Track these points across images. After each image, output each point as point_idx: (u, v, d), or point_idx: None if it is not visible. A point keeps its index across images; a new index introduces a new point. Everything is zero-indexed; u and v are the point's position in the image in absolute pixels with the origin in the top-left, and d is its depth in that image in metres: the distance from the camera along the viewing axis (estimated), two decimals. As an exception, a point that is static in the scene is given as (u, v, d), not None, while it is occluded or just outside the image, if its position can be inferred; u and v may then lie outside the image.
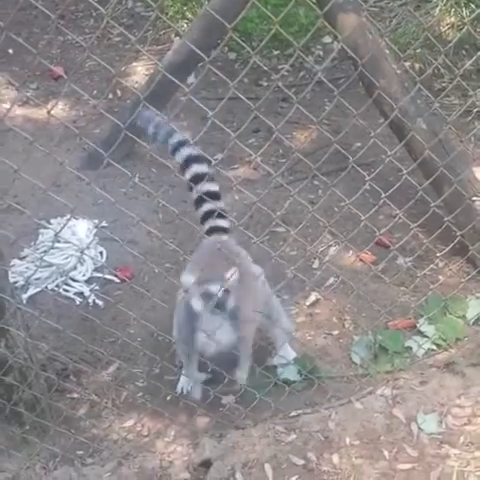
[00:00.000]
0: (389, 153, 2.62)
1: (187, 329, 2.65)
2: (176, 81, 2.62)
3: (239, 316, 2.61)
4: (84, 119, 4.48)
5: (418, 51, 4.68)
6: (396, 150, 3.09)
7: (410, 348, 3.02)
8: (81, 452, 2.57)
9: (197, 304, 2.54)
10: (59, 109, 4.54)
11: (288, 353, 2.96)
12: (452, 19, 4.66)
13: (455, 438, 2.49)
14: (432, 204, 2.76)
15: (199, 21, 4.13)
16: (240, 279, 2.52)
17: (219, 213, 2.80)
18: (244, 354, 2.76)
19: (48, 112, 1.95)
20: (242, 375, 2.77)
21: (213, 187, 2.85)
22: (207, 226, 2.86)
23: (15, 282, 3.23)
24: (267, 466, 2.42)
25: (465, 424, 2.53)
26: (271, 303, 2.88)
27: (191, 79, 4.35)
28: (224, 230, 2.86)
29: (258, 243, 2.42)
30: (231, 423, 2.64)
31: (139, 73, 4.91)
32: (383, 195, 2.53)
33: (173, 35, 5.04)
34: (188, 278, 2.53)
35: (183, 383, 2.86)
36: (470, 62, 3.02)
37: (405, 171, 2.57)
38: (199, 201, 2.85)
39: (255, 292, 2.74)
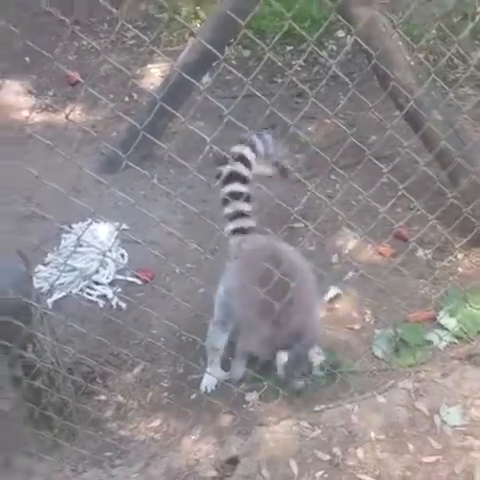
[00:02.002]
0: (405, 145, 2.62)
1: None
2: (192, 80, 2.64)
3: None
4: (102, 123, 4.52)
5: (431, 42, 4.67)
6: (412, 142, 3.09)
7: (431, 341, 3.02)
8: (109, 453, 2.61)
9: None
10: (77, 114, 4.60)
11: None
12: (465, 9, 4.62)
13: (479, 430, 2.51)
14: (449, 195, 2.76)
15: (212, 20, 4.15)
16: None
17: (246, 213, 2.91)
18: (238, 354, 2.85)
19: (66, 117, 1.99)
20: (235, 373, 2.85)
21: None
22: (233, 226, 2.95)
23: (40, 288, 3.28)
24: (292, 462, 2.46)
25: (489, 416, 2.54)
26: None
27: (206, 78, 4.37)
28: (251, 229, 2.93)
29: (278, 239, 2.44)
30: (256, 420, 2.66)
31: (154, 75, 4.94)
32: (400, 187, 2.54)
33: (187, 35, 5.06)
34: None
35: (207, 381, 2.88)
36: (483, 51, 3.02)
37: (422, 163, 2.58)
38: (226, 201, 2.94)
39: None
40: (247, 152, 2.98)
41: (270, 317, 2.56)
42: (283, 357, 2.62)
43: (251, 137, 2.98)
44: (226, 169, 2.98)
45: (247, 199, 2.97)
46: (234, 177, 2.95)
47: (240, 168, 2.96)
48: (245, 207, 2.97)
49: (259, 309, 2.59)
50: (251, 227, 2.95)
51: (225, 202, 2.96)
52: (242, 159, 2.97)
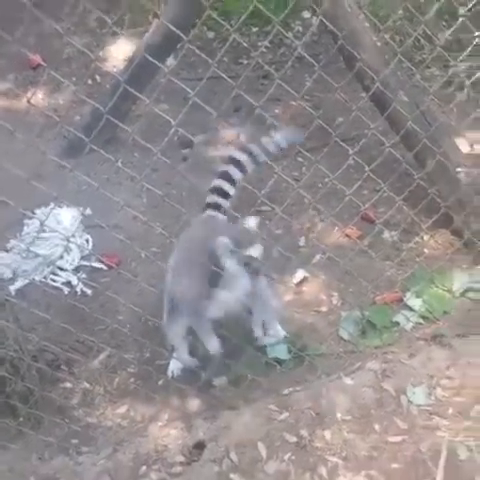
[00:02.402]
0: (372, 126, 2.61)
1: (200, 293, 2.67)
2: (156, 62, 2.60)
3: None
4: (64, 107, 4.43)
5: (398, 23, 4.66)
6: (378, 123, 3.08)
7: (398, 322, 3.04)
8: (76, 441, 2.59)
9: (234, 266, 2.58)
10: (39, 98, 4.50)
11: (277, 332, 2.98)
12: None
13: (444, 409, 2.52)
14: (416, 176, 2.76)
15: (176, 1, 4.09)
16: None
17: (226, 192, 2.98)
18: (200, 332, 2.81)
19: (28, 101, 1.95)
20: (213, 348, 2.79)
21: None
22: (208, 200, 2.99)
23: (2, 274, 3.24)
24: (260, 445, 2.44)
25: (454, 395, 2.56)
26: (260, 282, 2.89)
27: (170, 60, 4.31)
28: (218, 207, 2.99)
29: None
30: (223, 404, 2.66)
31: (118, 57, 4.85)
32: (367, 169, 2.54)
33: (151, 17, 4.98)
34: (223, 240, 2.57)
35: (173, 366, 2.87)
36: (449, 32, 3.00)
37: (388, 144, 2.57)
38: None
39: None
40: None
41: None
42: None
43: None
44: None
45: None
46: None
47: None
48: (227, 187, 3.01)
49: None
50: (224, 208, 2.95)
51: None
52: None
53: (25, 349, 2.61)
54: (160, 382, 2.82)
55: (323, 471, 2.37)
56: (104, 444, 2.55)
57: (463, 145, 3.49)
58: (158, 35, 3.99)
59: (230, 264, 2.56)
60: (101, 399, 2.78)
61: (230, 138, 4.20)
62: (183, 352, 2.85)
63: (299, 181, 3.62)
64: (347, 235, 3.44)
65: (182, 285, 2.70)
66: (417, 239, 3.35)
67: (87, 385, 2.83)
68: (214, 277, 2.58)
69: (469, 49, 2.83)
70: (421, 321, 3.03)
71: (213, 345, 2.78)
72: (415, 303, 3.08)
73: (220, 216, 2.98)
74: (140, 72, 3.89)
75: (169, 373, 2.86)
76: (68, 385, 2.82)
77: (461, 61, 3.02)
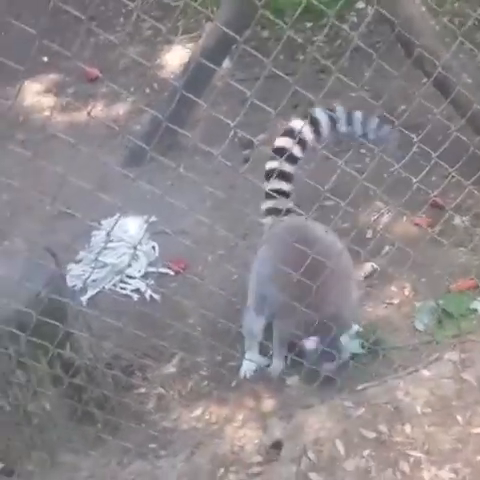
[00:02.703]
0: (435, 111, 2.55)
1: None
2: (211, 66, 2.60)
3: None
4: (124, 117, 4.51)
5: (456, 5, 4.54)
6: (443, 108, 3.00)
7: (475, 310, 2.94)
8: (153, 445, 2.60)
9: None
10: (98, 110, 4.58)
11: (352, 327, 2.92)
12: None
13: None
14: (484, 158, 2.68)
15: (228, 3, 4.10)
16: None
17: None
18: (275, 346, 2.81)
19: (88, 114, 1.98)
20: (274, 367, 2.81)
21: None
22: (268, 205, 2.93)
23: (73, 285, 3.29)
24: (338, 442, 2.40)
25: None
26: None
27: (226, 63, 4.32)
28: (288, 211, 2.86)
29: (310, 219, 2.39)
30: (298, 403, 2.63)
31: (174, 64, 4.89)
32: (433, 155, 2.47)
33: (204, 21, 5.01)
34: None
35: (246, 367, 2.86)
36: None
37: (453, 128, 2.51)
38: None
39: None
40: (306, 130, 2.92)
41: (304, 300, 2.49)
42: (310, 343, 2.58)
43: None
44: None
45: (288, 179, 2.89)
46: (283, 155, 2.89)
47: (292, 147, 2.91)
48: (284, 186, 2.92)
49: (293, 293, 2.53)
50: (288, 208, 2.88)
51: (267, 177, 2.92)
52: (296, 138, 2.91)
53: (99, 357, 2.66)
54: (233, 383, 2.82)
55: (405, 466, 2.31)
56: (181, 447, 2.56)
57: None
58: (212, 38, 4.01)
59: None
60: (176, 403, 2.79)
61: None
62: (255, 352, 2.84)
63: (363, 173, 3.55)
64: (416, 224, 3.36)
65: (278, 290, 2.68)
66: (490, 223, 3.25)
67: (161, 390, 2.85)
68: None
69: None
70: (500, 306, 2.93)
71: (276, 365, 2.82)
72: (492, 288, 2.98)
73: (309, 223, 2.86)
74: (196, 77, 3.91)
75: (242, 374, 2.85)
76: (143, 390, 2.85)
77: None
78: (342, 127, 2.99)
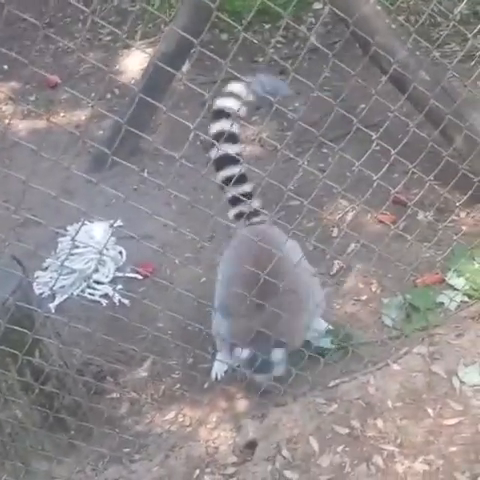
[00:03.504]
0: (392, 109, 2.57)
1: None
2: (170, 69, 2.60)
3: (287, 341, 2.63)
4: (86, 123, 4.48)
5: (411, 3, 4.61)
6: (400, 105, 3.02)
7: (442, 303, 2.98)
8: (128, 449, 2.59)
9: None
10: (60, 117, 4.54)
11: (319, 325, 2.93)
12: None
13: (500, 386, 2.47)
14: (444, 154, 2.71)
15: (185, 7, 4.10)
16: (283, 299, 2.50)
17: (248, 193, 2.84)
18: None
19: (47, 119, 1.96)
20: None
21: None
22: (229, 195, 2.87)
23: (41, 293, 3.26)
24: (312, 439, 2.42)
25: (508, 370, 2.51)
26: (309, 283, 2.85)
27: (186, 67, 4.32)
28: (247, 196, 2.85)
29: (274, 219, 2.40)
30: (271, 402, 2.63)
31: (134, 69, 4.89)
32: (393, 152, 2.50)
33: (163, 26, 5.01)
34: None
35: (217, 368, 2.86)
36: (462, 5, 2.96)
37: (412, 124, 2.54)
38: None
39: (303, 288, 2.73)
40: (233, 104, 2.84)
41: (248, 310, 2.53)
42: (243, 353, 2.60)
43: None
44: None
45: (242, 180, 2.89)
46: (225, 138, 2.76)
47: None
48: (244, 188, 2.90)
49: (239, 302, 2.55)
50: (254, 210, 2.89)
51: (222, 187, 2.90)
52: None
53: (70, 363, 2.64)
54: (205, 385, 2.82)
55: (379, 460, 2.34)
56: (156, 451, 2.56)
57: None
58: (170, 43, 4.00)
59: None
60: (149, 407, 2.79)
61: (252, 136, 4.19)
62: (225, 353, 2.83)
63: (325, 172, 3.58)
64: (381, 221, 3.39)
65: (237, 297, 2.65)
66: (453, 217, 3.29)
67: (134, 394, 2.84)
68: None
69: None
70: (466, 299, 2.97)
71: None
72: (457, 282, 3.02)
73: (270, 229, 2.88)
74: (156, 81, 3.91)
75: (213, 375, 2.85)
76: (115, 395, 2.84)
77: (479, 33, 2.95)
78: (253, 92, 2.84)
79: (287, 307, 2.56)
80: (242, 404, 2.71)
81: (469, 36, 2.95)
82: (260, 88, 2.81)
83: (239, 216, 2.91)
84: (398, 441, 2.39)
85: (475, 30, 2.92)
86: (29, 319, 2.36)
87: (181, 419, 2.71)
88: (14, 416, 2.43)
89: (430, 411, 2.46)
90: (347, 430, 2.44)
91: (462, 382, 2.54)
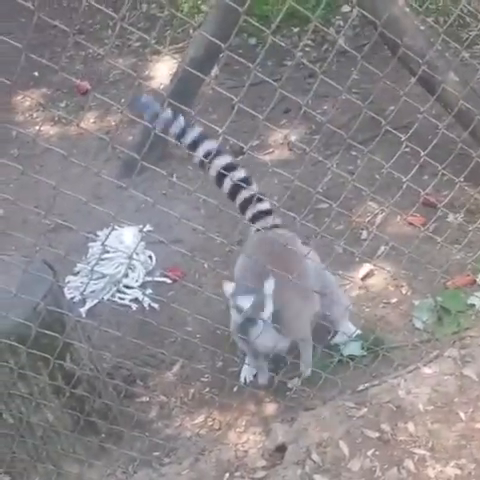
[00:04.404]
0: (421, 110, 2.56)
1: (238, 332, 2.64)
2: (199, 75, 2.61)
3: (284, 320, 2.58)
4: (116, 129, 4.52)
5: (441, 4, 4.57)
6: (429, 106, 3.01)
7: (473, 305, 2.95)
8: (158, 453, 2.61)
9: (234, 315, 2.55)
10: (90, 123, 4.61)
11: (349, 329, 2.91)
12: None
13: None
14: (474, 154, 2.69)
15: (214, 12, 4.12)
16: (284, 275, 2.46)
17: (258, 197, 2.79)
18: (303, 347, 2.76)
19: (77, 125, 1.99)
20: (306, 369, 2.78)
21: (242, 174, 2.84)
22: (249, 214, 2.85)
23: (72, 297, 3.31)
24: (342, 443, 2.41)
25: None
26: (325, 281, 2.83)
27: (215, 71, 4.34)
28: (267, 213, 2.84)
29: (303, 222, 2.40)
30: (300, 405, 2.63)
31: (163, 74, 4.92)
32: (422, 154, 2.49)
33: (191, 31, 5.04)
34: (227, 287, 2.55)
35: (245, 372, 2.86)
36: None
37: (441, 126, 2.52)
38: (233, 192, 2.86)
39: (306, 281, 2.69)
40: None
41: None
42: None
43: None
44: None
45: (258, 199, 2.87)
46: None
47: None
48: (262, 206, 2.87)
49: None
50: (275, 224, 2.86)
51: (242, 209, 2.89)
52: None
53: (100, 367, 2.66)
54: (235, 389, 2.81)
55: (410, 464, 2.32)
56: (185, 454, 2.57)
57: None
58: (200, 47, 4.02)
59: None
60: (178, 410, 2.79)
61: (281, 140, 4.19)
62: (254, 357, 2.83)
63: (354, 174, 3.56)
64: (410, 223, 3.38)
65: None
66: (483, 218, 3.25)
67: (163, 398, 2.85)
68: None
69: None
70: (497, 301, 2.93)
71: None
72: (489, 283, 2.99)
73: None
74: (185, 86, 3.93)
75: (242, 379, 2.84)
76: (145, 399, 2.85)
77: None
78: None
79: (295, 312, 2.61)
80: (271, 408, 2.70)
81: (497, 35, 2.93)
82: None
83: (254, 218, 2.90)
84: (429, 445, 2.37)
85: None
86: (60, 323, 2.38)
87: (210, 423, 2.71)
88: (46, 419, 2.45)
89: (462, 415, 2.44)
90: (377, 434, 2.42)
91: (494, 385, 2.51)
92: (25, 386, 2.37)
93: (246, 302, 2.47)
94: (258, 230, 2.84)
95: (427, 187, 3.07)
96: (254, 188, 2.84)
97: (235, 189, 2.84)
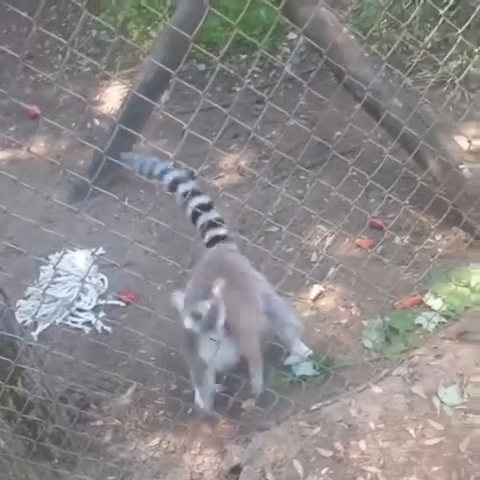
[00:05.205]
0: (366, 135, 2.64)
1: (189, 348, 2.66)
2: (148, 100, 2.64)
3: (236, 331, 2.62)
4: (66, 152, 4.51)
5: (384, 32, 4.72)
6: (374, 131, 3.10)
7: (420, 325, 3.02)
8: (112, 477, 2.59)
9: (189, 324, 2.56)
10: (40, 147, 4.58)
11: (301, 349, 2.96)
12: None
13: (479, 406, 2.50)
14: (418, 178, 2.78)
15: (163, 38, 4.18)
16: (234, 290, 2.53)
17: (214, 222, 2.89)
18: (253, 365, 2.77)
19: (28, 149, 2.00)
20: (256, 385, 2.79)
21: (203, 200, 2.95)
22: (207, 237, 2.95)
23: (24, 321, 3.27)
24: (296, 462, 2.43)
25: (487, 390, 2.54)
26: (275, 303, 2.88)
27: (165, 97, 4.38)
28: (223, 238, 2.93)
29: (253, 245, 2.44)
30: (255, 426, 2.65)
31: (114, 99, 4.95)
32: (368, 177, 2.56)
33: (141, 57, 5.08)
34: (178, 296, 2.57)
35: (199, 395, 2.85)
36: (432, 33, 3.05)
37: (386, 151, 2.60)
38: (194, 216, 2.97)
39: (254, 301, 2.75)
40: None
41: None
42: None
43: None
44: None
45: (209, 208, 2.98)
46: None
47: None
48: (214, 215, 2.98)
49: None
50: (224, 235, 2.95)
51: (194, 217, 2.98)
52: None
53: (52, 391, 2.62)
54: (189, 411, 2.81)
55: (363, 482, 2.36)
56: (141, 478, 2.56)
57: (463, 142, 3.50)
58: (149, 73, 4.06)
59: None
60: (133, 434, 2.78)
61: (231, 165, 4.25)
62: (205, 380, 2.84)
63: (303, 198, 3.64)
64: (358, 245, 3.46)
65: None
66: (429, 240, 3.35)
67: (117, 421, 2.84)
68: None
69: (454, 47, 2.84)
70: (443, 320, 3.00)
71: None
72: (435, 303, 3.06)
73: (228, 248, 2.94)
74: (135, 111, 3.96)
75: (197, 402, 2.84)
76: (99, 423, 2.83)
77: (449, 60, 3.04)
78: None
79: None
80: (226, 429, 2.72)
81: (440, 63, 3.04)
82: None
83: (211, 242, 2.97)
84: (381, 462, 2.40)
85: (446, 57, 3.01)
86: (11, 347, 2.35)
87: (165, 445, 2.71)
88: (-4, 445, 2.41)
89: (412, 432, 2.49)
90: (331, 452, 2.45)
91: (442, 402, 2.56)
92: (-25, 412, 2.34)
93: (204, 307, 2.49)
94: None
95: (374, 210, 3.16)
96: (213, 214, 2.94)
97: (195, 214, 2.95)
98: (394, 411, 2.57)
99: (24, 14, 1.82)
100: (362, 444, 2.47)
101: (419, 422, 2.51)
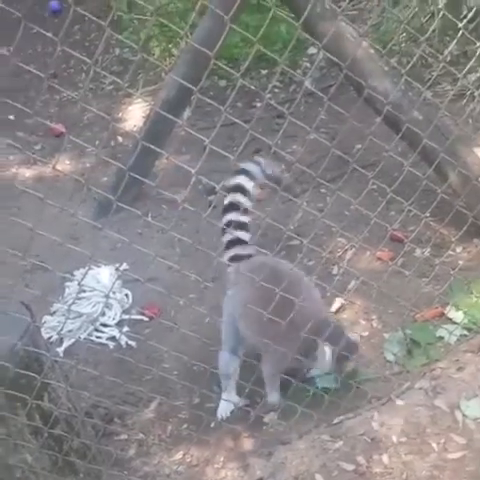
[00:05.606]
0: (387, 148, 2.66)
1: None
2: (171, 117, 2.69)
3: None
4: (91, 170, 4.58)
5: (403, 45, 4.73)
6: (394, 145, 3.10)
7: (442, 337, 3.02)
8: (137, 491, 2.62)
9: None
10: (66, 164, 4.66)
11: (324, 362, 2.96)
12: (431, 8, 4.70)
13: (502, 419, 2.49)
14: (439, 190, 2.79)
15: (185, 55, 4.23)
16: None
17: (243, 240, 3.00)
18: (269, 383, 2.83)
19: (53, 167, 2.04)
20: (272, 400, 2.83)
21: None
22: (231, 253, 3.03)
23: (49, 337, 3.31)
24: (318, 476, 2.44)
25: (509, 403, 2.53)
26: None
27: (186, 113, 4.44)
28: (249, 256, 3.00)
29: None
30: (277, 440, 2.67)
31: (137, 116, 5.01)
32: (389, 190, 2.58)
33: (163, 74, 5.15)
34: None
35: (222, 408, 2.90)
36: (451, 47, 3.06)
37: (406, 164, 2.61)
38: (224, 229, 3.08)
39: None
40: (244, 181, 3.05)
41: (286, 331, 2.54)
42: (326, 350, 2.72)
43: (244, 165, 3.07)
44: (225, 200, 3.07)
45: (244, 227, 3.03)
46: (233, 207, 3.05)
47: (239, 198, 3.05)
48: (243, 235, 3.03)
49: (272, 327, 2.57)
50: (250, 254, 2.99)
51: (223, 231, 3.04)
52: (240, 189, 3.05)
53: (78, 406, 2.66)
54: (212, 425, 2.84)
55: (385, 496, 2.36)
56: (164, 492, 2.58)
57: (483, 154, 3.51)
58: (172, 90, 4.11)
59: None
60: (156, 448, 2.80)
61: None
62: (231, 392, 2.87)
63: (324, 211, 3.66)
64: (379, 258, 3.46)
65: (263, 332, 2.72)
66: (450, 252, 3.35)
67: (141, 435, 2.86)
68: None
69: (473, 60, 2.86)
70: (465, 333, 3.01)
71: (274, 397, 2.85)
72: (456, 316, 3.07)
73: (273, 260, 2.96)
74: (158, 128, 4.01)
75: (218, 415, 2.88)
76: (123, 437, 2.86)
77: (469, 73, 3.05)
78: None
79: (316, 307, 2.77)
80: (248, 443, 2.73)
81: (459, 76, 3.06)
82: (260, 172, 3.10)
83: (233, 259, 3.01)
84: (404, 476, 2.41)
85: (465, 70, 3.02)
86: (38, 363, 2.38)
87: (188, 459, 2.72)
88: (24, 460, 2.42)
89: (434, 445, 2.48)
90: (353, 466, 2.45)
91: (465, 415, 2.56)
92: (3, 427, 2.34)
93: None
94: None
95: (394, 223, 3.18)
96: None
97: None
98: (416, 424, 2.57)
99: (49, 34, 1.87)
100: (385, 458, 2.47)
101: (441, 435, 2.51)
